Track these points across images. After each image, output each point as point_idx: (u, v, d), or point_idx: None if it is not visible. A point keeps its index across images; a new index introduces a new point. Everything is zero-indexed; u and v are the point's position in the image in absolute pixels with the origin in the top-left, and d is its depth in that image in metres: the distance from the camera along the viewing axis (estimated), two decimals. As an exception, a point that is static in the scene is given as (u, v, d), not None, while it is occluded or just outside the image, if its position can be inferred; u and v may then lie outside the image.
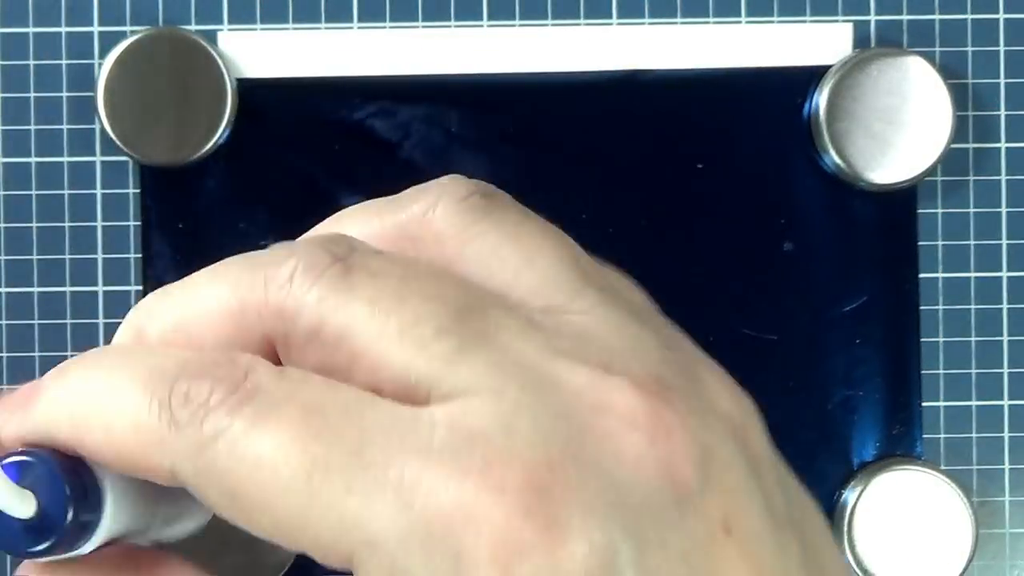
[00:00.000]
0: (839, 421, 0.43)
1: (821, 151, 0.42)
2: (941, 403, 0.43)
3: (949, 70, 0.43)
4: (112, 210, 0.43)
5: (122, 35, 0.43)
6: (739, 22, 0.43)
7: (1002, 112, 0.44)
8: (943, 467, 0.43)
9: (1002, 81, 0.44)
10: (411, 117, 0.43)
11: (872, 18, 0.44)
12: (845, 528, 0.42)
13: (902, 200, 0.43)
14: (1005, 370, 0.44)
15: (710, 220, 0.43)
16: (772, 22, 0.43)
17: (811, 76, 0.43)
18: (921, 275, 0.43)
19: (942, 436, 0.44)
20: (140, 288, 0.43)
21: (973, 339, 0.44)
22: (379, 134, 0.43)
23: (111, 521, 0.24)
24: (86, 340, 0.43)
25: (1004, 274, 0.44)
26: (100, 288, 0.43)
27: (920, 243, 0.43)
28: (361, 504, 0.22)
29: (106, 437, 0.23)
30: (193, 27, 0.43)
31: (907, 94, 0.42)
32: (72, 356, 0.43)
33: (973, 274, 0.44)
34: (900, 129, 0.42)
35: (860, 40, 0.43)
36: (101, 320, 0.43)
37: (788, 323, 0.43)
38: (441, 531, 0.21)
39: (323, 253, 0.24)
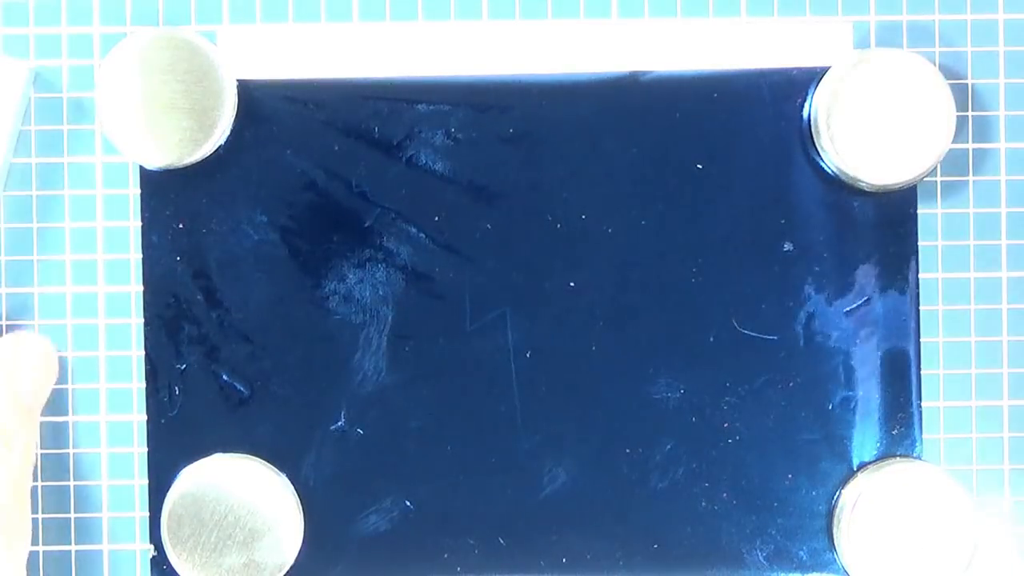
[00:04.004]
0: (839, 421, 0.43)
1: (821, 151, 0.42)
2: (941, 403, 0.43)
3: (949, 70, 0.43)
4: (112, 210, 0.43)
5: (122, 35, 0.43)
6: (739, 22, 0.43)
7: (1002, 112, 0.44)
8: (943, 467, 0.43)
9: (1002, 81, 0.44)
10: (411, 117, 0.43)
11: (872, 18, 0.44)
12: (845, 528, 0.42)
13: (902, 200, 0.43)
14: (1005, 370, 0.44)
15: (710, 220, 0.43)
16: (772, 22, 0.43)
17: (811, 76, 0.43)
18: (921, 275, 0.43)
19: (942, 436, 0.44)
20: (140, 288, 0.43)
21: (973, 339, 0.44)
22: (379, 134, 0.43)
23: None
24: (86, 340, 0.43)
25: (1004, 274, 0.44)
26: (100, 288, 0.43)
27: (920, 243, 0.43)
28: None
29: None
30: (193, 27, 0.43)
31: (907, 94, 0.42)
32: (72, 356, 0.43)
33: (973, 274, 0.44)
34: (900, 129, 0.42)
35: (860, 40, 0.44)
36: (101, 320, 0.43)
37: (788, 323, 0.43)
38: None
39: None
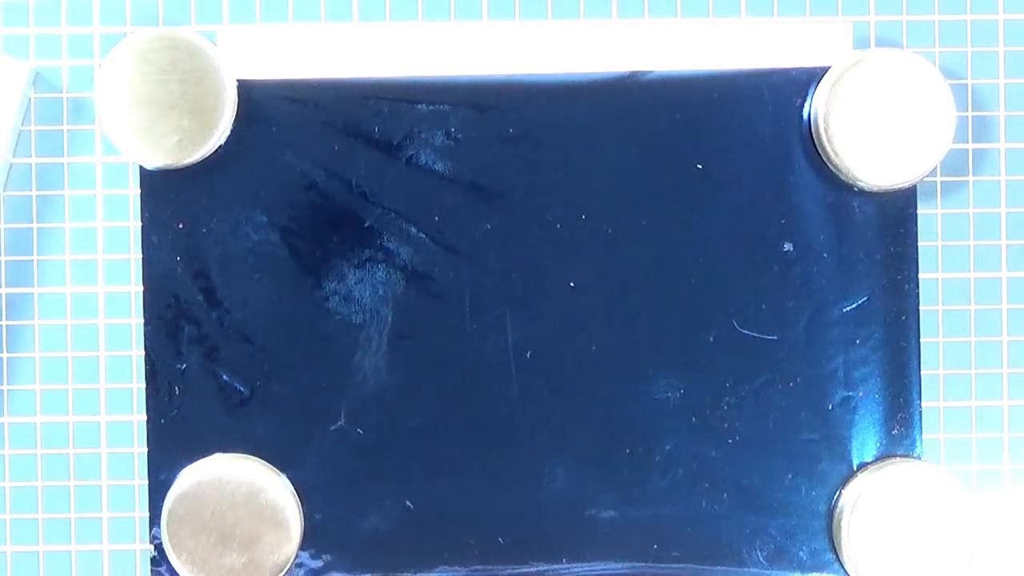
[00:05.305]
0: (839, 421, 0.43)
1: (821, 151, 0.42)
2: (941, 403, 0.44)
3: (949, 70, 0.43)
4: (112, 210, 0.43)
5: (122, 35, 0.43)
6: (739, 22, 0.43)
7: (1001, 112, 0.44)
8: (943, 467, 0.43)
9: (1002, 81, 0.44)
10: (411, 117, 0.43)
11: (872, 18, 0.44)
12: (845, 528, 0.42)
13: (902, 200, 0.43)
14: (1005, 370, 0.44)
15: (710, 220, 0.43)
16: (772, 22, 0.43)
17: (811, 76, 0.43)
18: (921, 275, 0.43)
19: (942, 436, 0.44)
20: (140, 288, 0.43)
21: (973, 339, 0.44)
22: (379, 134, 0.43)
23: None
24: (86, 340, 0.43)
25: (1004, 274, 0.44)
26: (100, 288, 0.43)
27: (920, 243, 0.43)
28: None
29: None
30: (193, 27, 0.43)
31: (907, 94, 0.42)
32: (72, 356, 0.43)
33: (972, 274, 0.44)
34: (900, 129, 0.42)
35: (860, 40, 0.44)
36: (101, 320, 0.43)
37: (788, 323, 0.43)
38: None
39: None
